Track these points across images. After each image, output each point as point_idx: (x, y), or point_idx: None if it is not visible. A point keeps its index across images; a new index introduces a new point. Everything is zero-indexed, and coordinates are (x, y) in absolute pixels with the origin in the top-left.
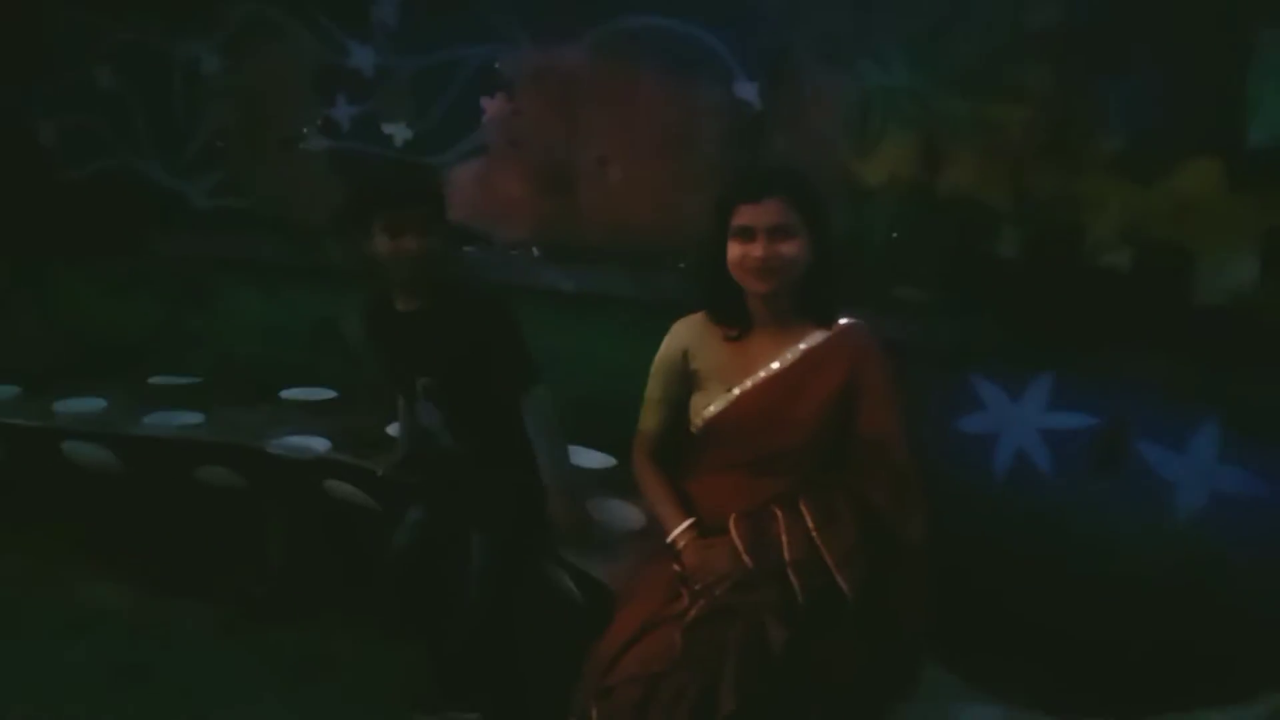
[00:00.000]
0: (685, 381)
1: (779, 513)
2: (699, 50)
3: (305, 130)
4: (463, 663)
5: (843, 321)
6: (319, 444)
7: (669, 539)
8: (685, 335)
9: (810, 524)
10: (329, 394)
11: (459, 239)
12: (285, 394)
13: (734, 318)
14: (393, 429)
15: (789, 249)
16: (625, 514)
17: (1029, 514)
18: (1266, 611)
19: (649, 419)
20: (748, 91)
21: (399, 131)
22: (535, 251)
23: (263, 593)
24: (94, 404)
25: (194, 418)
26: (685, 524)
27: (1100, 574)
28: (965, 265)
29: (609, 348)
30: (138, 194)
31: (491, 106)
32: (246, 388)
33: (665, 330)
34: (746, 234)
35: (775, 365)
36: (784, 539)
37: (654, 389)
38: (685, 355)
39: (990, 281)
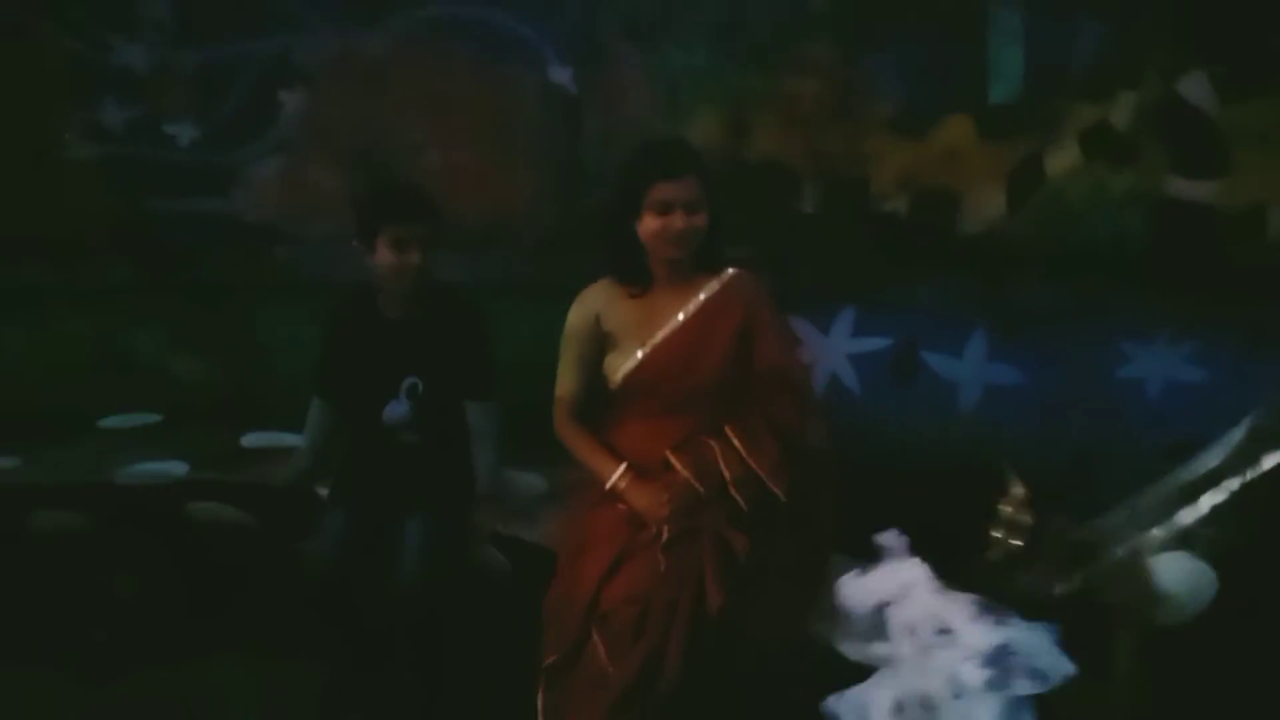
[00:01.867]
0: (598, 343)
1: (712, 442)
2: (508, 36)
3: (67, 137)
4: (394, 656)
5: (729, 270)
6: (176, 468)
7: (608, 485)
8: (594, 301)
9: (740, 446)
10: (153, 418)
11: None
12: (105, 423)
13: (639, 277)
14: (254, 440)
15: (701, 220)
16: (529, 481)
17: (844, 427)
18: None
19: (567, 384)
20: (562, 76)
21: (183, 131)
22: (355, 245)
23: (105, 639)
24: None
25: (8, 461)
26: (621, 468)
27: (906, 466)
28: (776, 220)
29: None
30: None
31: (290, 99)
32: (46, 424)
33: (505, 310)
34: (666, 208)
35: (681, 316)
36: (721, 462)
37: (569, 356)
38: (597, 319)
39: (797, 233)
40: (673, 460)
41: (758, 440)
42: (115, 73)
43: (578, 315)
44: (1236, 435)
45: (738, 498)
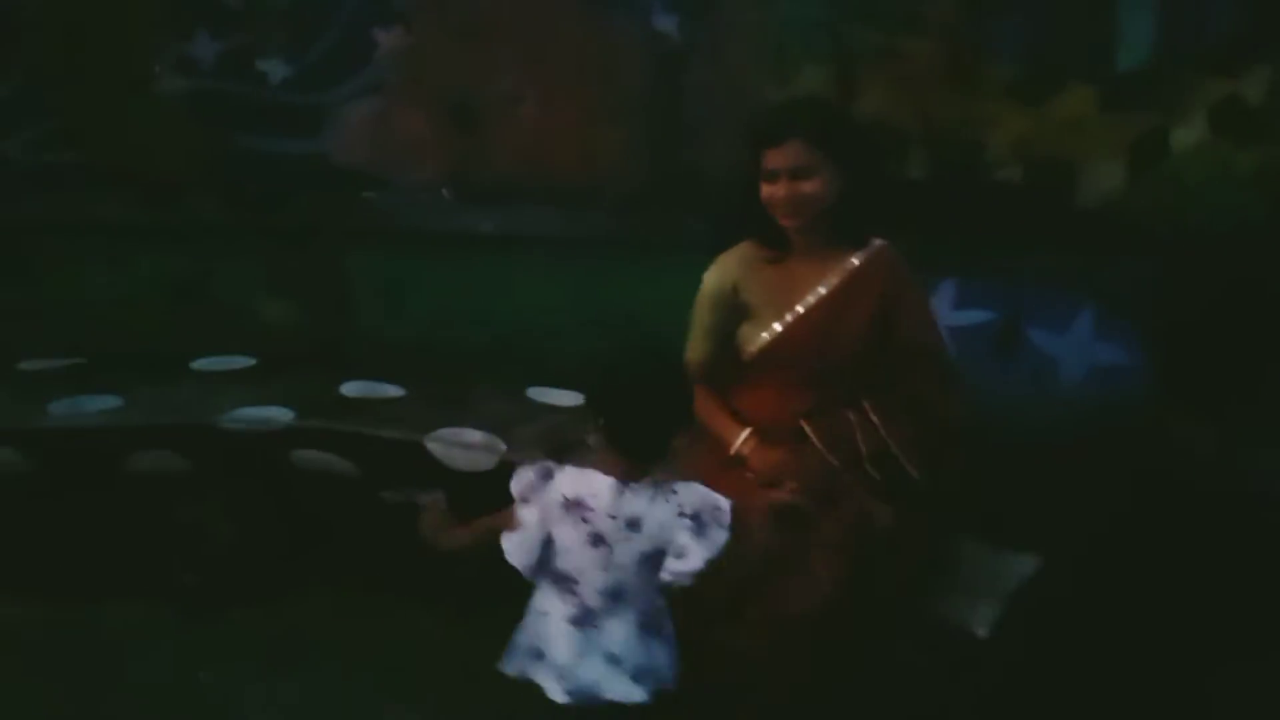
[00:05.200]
0: (735, 312)
1: (849, 415)
2: None
3: (158, 69)
4: None
5: (874, 242)
6: (281, 414)
7: (733, 450)
8: (732, 268)
9: (878, 422)
10: (246, 361)
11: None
12: (197, 365)
13: (776, 242)
14: (354, 389)
15: (810, 187)
16: None
17: None
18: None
19: (698, 349)
20: (667, 23)
21: (274, 68)
22: (446, 193)
23: (196, 581)
24: None
25: (110, 401)
26: (745, 433)
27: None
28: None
29: (536, 286)
30: None
31: (386, 39)
32: (140, 364)
33: (590, 267)
34: (772, 176)
35: (821, 290)
36: (858, 437)
37: (703, 321)
38: (734, 288)
39: (903, 199)
40: (808, 430)
41: (895, 416)
42: (209, 3)
43: (715, 282)
44: None
45: (872, 472)
